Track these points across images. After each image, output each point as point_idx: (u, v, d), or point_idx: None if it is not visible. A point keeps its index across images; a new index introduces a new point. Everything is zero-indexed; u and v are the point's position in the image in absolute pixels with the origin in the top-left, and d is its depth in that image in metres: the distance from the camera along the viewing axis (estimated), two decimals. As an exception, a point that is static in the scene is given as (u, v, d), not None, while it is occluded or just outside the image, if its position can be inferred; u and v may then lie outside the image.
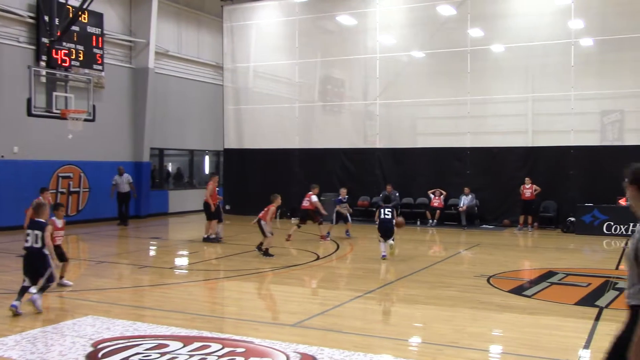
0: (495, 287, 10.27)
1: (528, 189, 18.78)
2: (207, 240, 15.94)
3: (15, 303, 8.20)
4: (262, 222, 13.23)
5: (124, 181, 20.72)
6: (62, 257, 10.04)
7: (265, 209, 13.40)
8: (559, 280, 11.13)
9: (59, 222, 10.26)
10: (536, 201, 19.08)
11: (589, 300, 9.27)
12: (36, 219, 8.66)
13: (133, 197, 21.20)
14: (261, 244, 13.33)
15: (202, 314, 8.41)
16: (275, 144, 23.28)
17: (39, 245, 8.52)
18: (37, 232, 8.54)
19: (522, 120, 20.41)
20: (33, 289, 8.46)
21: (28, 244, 8.55)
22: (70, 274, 11.52)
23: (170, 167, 27.34)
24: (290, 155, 22.73)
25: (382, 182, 21.41)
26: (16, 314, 8.12)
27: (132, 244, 16.34)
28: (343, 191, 17.68)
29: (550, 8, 19.72)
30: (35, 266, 8.50)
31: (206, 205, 16.09)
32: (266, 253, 13.14)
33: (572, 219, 18.39)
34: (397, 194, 20.99)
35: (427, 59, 21.72)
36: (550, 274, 11.68)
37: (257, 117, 24.04)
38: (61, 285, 10.06)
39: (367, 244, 16.67)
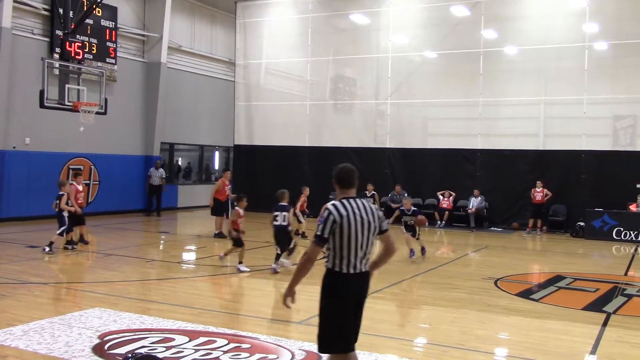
0: (503, 290, 10.24)
1: (539, 193, 18.69)
2: (217, 236, 15.98)
3: (274, 266, 11.15)
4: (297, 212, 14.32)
5: (158, 175, 21.97)
6: (238, 242, 11.62)
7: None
8: (567, 284, 11.08)
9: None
10: (546, 205, 19.00)
11: (596, 306, 9.22)
12: (281, 204, 11.31)
13: (164, 190, 22.27)
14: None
15: (208, 309, 8.43)
16: (286, 141, 23.28)
17: (285, 223, 11.29)
18: (284, 213, 11.28)
19: (533, 123, 20.31)
20: (284, 257, 11.42)
21: (277, 223, 11.25)
22: (78, 266, 11.60)
23: (180, 162, 27.41)
24: (299, 153, 22.73)
25: (392, 182, 21.38)
26: (275, 272, 11.04)
27: (141, 238, 16.40)
28: (370, 187, 17.87)
29: (564, 11, 19.60)
30: (283, 239, 11.35)
31: (214, 201, 16.16)
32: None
33: (582, 223, 18.28)
34: (406, 194, 20.93)
35: (439, 59, 21.65)
36: (558, 278, 11.62)
37: (268, 114, 24.06)
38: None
39: (375, 244, 16.66)
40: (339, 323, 4.64)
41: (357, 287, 4.70)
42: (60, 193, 12.88)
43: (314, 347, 6.45)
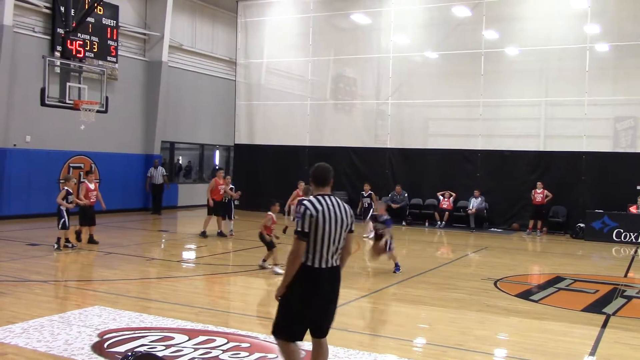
0: (502, 291, 10.24)
1: (539, 194, 18.69)
2: (220, 235, 16.00)
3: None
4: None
5: (159, 174, 22.09)
6: (271, 244, 11.38)
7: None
8: (567, 286, 11.08)
9: None
10: (546, 206, 19.00)
11: (596, 307, 9.22)
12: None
13: (167, 188, 22.40)
14: None
15: (208, 307, 8.44)
16: (286, 140, 23.29)
17: None
18: None
19: (534, 124, 20.31)
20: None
21: None
22: (78, 264, 11.61)
23: (180, 161, 27.42)
24: (300, 153, 22.73)
25: (392, 182, 21.39)
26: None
27: (141, 236, 16.40)
28: (367, 187, 17.77)
29: (566, 12, 19.59)
30: None
31: (212, 201, 16.15)
32: None
33: (582, 225, 18.28)
34: (406, 195, 20.97)
35: (440, 59, 21.66)
36: (558, 279, 11.63)
37: (269, 114, 24.07)
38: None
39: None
40: (296, 313, 4.83)
41: (328, 281, 4.88)
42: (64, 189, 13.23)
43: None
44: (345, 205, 4.99)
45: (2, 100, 17.76)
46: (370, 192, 17.63)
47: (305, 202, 4.84)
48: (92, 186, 13.90)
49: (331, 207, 4.84)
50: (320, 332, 5.03)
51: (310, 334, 5.04)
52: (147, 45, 23.48)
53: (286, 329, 4.89)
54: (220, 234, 16.03)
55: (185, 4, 24.90)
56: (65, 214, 12.85)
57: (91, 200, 13.72)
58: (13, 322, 7.29)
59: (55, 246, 12.79)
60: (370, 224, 15.98)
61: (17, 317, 7.53)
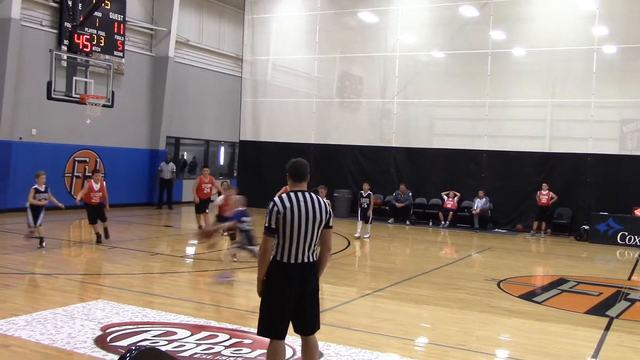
0: (506, 292, 10.22)
1: (545, 195, 18.64)
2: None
3: None
4: None
5: (169, 169, 22.31)
6: None
7: None
8: (570, 288, 11.06)
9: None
10: (551, 208, 18.94)
11: (599, 310, 9.20)
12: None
13: (174, 184, 22.61)
14: None
15: (210, 303, 8.45)
16: (291, 137, 23.28)
17: None
18: None
19: (540, 125, 20.25)
20: None
21: None
22: (82, 258, 11.64)
23: (185, 156, 27.45)
24: (305, 150, 22.67)
25: (396, 181, 21.37)
26: None
27: (145, 231, 16.43)
28: (366, 186, 17.06)
29: (574, 13, 19.50)
30: None
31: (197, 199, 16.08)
32: None
33: (586, 227, 18.23)
34: (410, 194, 20.95)
35: (447, 59, 21.61)
36: (561, 281, 11.61)
37: (274, 111, 24.06)
38: None
39: (378, 243, 16.67)
40: (272, 310, 4.88)
41: (297, 276, 4.86)
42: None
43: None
44: (322, 201, 4.99)
45: (8, 94, 17.80)
46: (369, 192, 16.85)
47: (275, 198, 4.89)
48: (96, 186, 13.69)
49: (302, 204, 4.85)
50: (302, 329, 5.02)
51: (296, 332, 5.05)
52: (154, 41, 23.50)
53: (267, 327, 4.92)
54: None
55: (192, 0, 24.90)
56: (29, 211, 12.42)
57: (93, 201, 13.50)
58: (17, 314, 7.32)
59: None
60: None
61: (21, 310, 7.55)
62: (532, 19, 19.94)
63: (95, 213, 13.64)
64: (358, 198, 17.86)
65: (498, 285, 10.74)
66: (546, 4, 19.82)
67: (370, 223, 16.69)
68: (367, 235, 16.46)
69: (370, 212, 16.60)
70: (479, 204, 19.82)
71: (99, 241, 13.30)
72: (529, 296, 10.09)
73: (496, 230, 19.83)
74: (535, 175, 19.51)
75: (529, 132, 20.11)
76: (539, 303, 9.56)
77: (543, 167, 19.57)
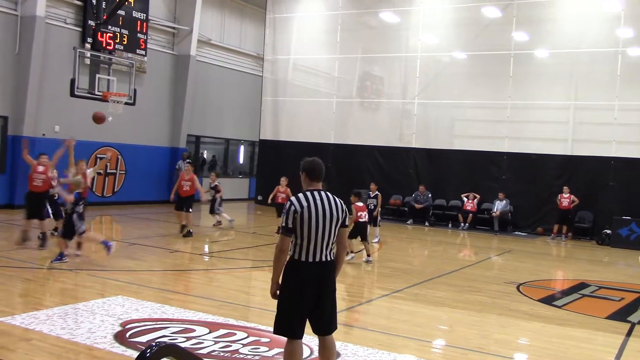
0: (525, 295, 10.14)
1: (566, 199, 18.46)
2: (183, 231, 15.07)
3: None
4: None
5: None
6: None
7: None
8: (591, 292, 10.93)
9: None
10: (572, 211, 18.75)
11: (621, 315, 9.09)
12: None
13: None
14: None
15: (229, 301, 8.48)
16: (311, 137, 23.30)
17: None
18: None
19: (562, 127, 20.02)
20: None
21: None
22: (102, 254, 11.72)
23: (205, 155, 27.59)
24: (324, 150, 22.69)
25: (416, 182, 21.30)
26: None
27: (164, 228, 16.53)
28: (373, 187, 15.92)
29: (598, 15, 19.27)
30: None
31: (176, 195, 15.59)
32: None
33: (608, 231, 18.02)
34: (430, 195, 20.87)
35: (468, 60, 21.48)
36: (582, 285, 11.48)
37: (294, 110, 24.10)
38: None
39: (397, 243, 16.62)
40: (288, 309, 4.88)
41: (315, 275, 4.87)
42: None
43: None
44: (338, 200, 5.01)
45: (33, 90, 18.03)
46: (377, 192, 15.63)
47: (292, 198, 4.89)
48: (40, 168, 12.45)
49: (319, 202, 4.87)
50: (320, 329, 5.02)
51: (314, 332, 5.05)
52: (176, 39, 23.65)
53: (284, 326, 4.92)
54: (183, 230, 15.13)
55: (214, -1, 25.05)
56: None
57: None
58: (38, 308, 7.41)
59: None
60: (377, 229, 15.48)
61: (42, 304, 7.65)
62: (556, 21, 19.74)
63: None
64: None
65: (517, 288, 10.65)
66: (570, 6, 19.61)
67: (379, 226, 15.70)
68: (376, 240, 15.49)
69: (377, 214, 15.40)
70: (499, 206, 19.68)
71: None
72: (548, 300, 9.99)
73: (516, 233, 19.67)
74: (556, 178, 19.33)
75: (551, 135, 19.91)
76: (559, 307, 9.47)
77: (564, 170, 19.37)
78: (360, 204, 12.58)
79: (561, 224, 18.73)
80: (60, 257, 10.44)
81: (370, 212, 15.01)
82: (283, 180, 15.92)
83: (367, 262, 12.32)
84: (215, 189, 17.20)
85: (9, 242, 12.14)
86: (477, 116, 21.50)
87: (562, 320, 8.56)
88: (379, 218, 15.65)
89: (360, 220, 12.37)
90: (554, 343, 7.39)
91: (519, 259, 14.79)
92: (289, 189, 15.68)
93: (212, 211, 17.14)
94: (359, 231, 12.39)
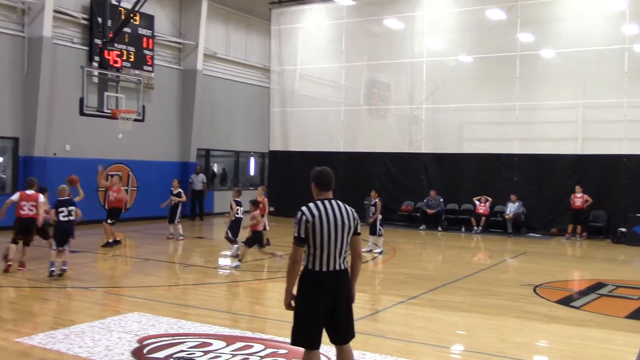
0: (542, 297, 10.06)
1: (579, 198, 18.33)
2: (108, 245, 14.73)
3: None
4: None
5: (199, 180, 22.44)
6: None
7: None
8: (609, 292, 10.84)
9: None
10: (586, 211, 18.61)
11: (640, 314, 9.01)
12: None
13: (205, 195, 22.76)
14: None
15: (245, 314, 8.48)
16: (320, 146, 23.31)
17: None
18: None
19: (572, 127, 19.93)
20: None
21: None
22: (117, 271, 11.81)
23: (215, 168, 27.67)
24: (334, 158, 22.66)
25: (427, 187, 21.25)
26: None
27: (178, 243, 16.56)
28: (373, 194, 15.21)
29: (603, 13, 19.20)
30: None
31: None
32: None
33: (623, 229, 17.87)
34: (441, 200, 20.80)
35: (474, 63, 21.44)
36: (599, 285, 11.38)
37: (303, 120, 24.15)
38: None
39: (410, 249, 16.57)
40: (305, 319, 4.86)
41: (330, 284, 4.85)
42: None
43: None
44: (349, 208, 4.98)
45: (42, 111, 18.16)
46: (376, 200, 14.91)
47: (303, 208, 4.87)
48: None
49: (330, 211, 4.85)
50: (337, 339, 5.00)
51: (331, 342, 5.02)
52: (182, 54, 23.78)
53: (301, 337, 4.91)
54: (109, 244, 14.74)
55: (219, 13, 25.16)
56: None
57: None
58: (55, 328, 7.43)
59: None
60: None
61: (59, 323, 7.67)
62: (561, 20, 19.69)
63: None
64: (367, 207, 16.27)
65: (534, 290, 10.58)
66: (574, 5, 19.56)
67: (379, 235, 14.82)
68: (378, 250, 14.83)
69: (373, 220, 14.69)
70: (511, 208, 19.57)
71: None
72: (566, 301, 9.91)
73: (530, 234, 19.55)
74: (568, 177, 19.21)
75: (561, 135, 19.82)
76: (577, 308, 9.39)
77: (576, 170, 19.26)
78: (258, 212, 12.89)
79: (575, 224, 18.60)
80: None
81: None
82: (260, 190, 15.65)
83: (236, 267, 12.32)
84: (179, 196, 16.93)
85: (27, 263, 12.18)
86: (485, 119, 21.43)
87: (581, 321, 8.49)
88: (378, 226, 14.72)
89: (258, 229, 12.76)
90: (574, 344, 7.32)
91: (534, 260, 14.69)
92: (266, 199, 15.41)
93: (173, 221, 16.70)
94: (257, 239, 12.74)
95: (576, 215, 18.53)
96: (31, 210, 11.38)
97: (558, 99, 19.75)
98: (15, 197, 11.39)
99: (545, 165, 19.67)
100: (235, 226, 13.50)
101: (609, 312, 9.14)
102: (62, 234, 10.81)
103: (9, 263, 11.11)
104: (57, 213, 10.83)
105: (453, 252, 16.68)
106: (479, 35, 20.96)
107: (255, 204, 12.98)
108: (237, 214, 13.42)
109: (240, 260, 12.48)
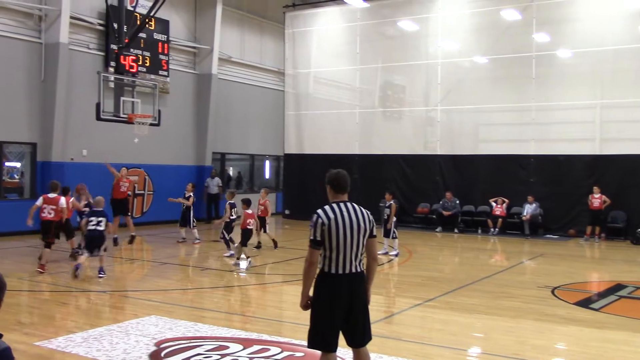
0: (560, 299, 9.97)
1: (597, 199, 18.16)
2: (114, 242, 15.00)
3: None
4: None
5: (215, 184, 22.50)
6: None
7: None
8: (629, 293, 10.72)
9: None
10: (604, 211, 18.42)
11: (660, 316, 8.89)
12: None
13: (220, 198, 22.64)
14: None
15: (261, 317, 8.48)
16: (335, 149, 23.31)
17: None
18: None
19: (589, 127, 19.75)
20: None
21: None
22: (134, 275, 11.87)
23: (231, 171, 27.75)
24: (349, 161, 22.65)
25: (443, 189, 21.16)
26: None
27: (194, 247, 16.62)
28: (388, 196, 15.12)
29: (620, 12, 19.02)
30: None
31: (112, 201, 15.95)
32: None
33: (643, 230, 17.69)
34: (457, 202, 20.70)
35: (490, 64, 21.33)
36: (618, 287, 11.25)
37: (318, 123, 24.16)
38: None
39: (427, 251, 16.50)
40: (321, 322, 4.86)
41: (346, 287, 4.84)
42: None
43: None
44: (364, 210, 4.98)
45: (59, 116, 18.33)
46: (391, 202, 14.76)
47: (318, 210, 4.87)
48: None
49: (346, 214, 4.85)
50: (354, 342, 4.98)
51: (347, 344, 5.01)
52: (197, 59, 23.91)
53: (317, 339, 4.90)
54: (115, 241, 15.05)
55: (233, 17, 25.27)
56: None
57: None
58: (74, 331, 7.49)
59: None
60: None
61: (78, 327, 7.72)
62: (577, 20, 19.54)
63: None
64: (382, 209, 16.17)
65: (552, 292, 10.49)
66: (590, 4, 19.42)
67: (394, 238, 14.65)
68: (394, 253, 14.63)
69: (390, 225, 14.49)
70: (529, 209, 19.43)
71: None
72: (585, 303, 9.81)
73: (548, 236, 19.39)
74: (585, 178, 19.04)
75: (578, 135, 19.65)
76: (596, 310, 9.29)
77: (594, 170, 19.07)
78: (249, 211, 13.20)
79: (593, 225, 18.42)
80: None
81: (384, 222, 14.73)
82: (263, 192, 16.22)
83: (236, 265, 12.84)
84: (188, 199, 16.98)
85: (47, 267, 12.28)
86: (501, 120, 21.29)
87: (600, 323, 8.40)
88: (392, 229, 14.54)
89: (249, 227, 13.07)
90: (593, 347, 7.25)
91: (552, 262, 14.57)
92: (268, 201, 15.92)
93: (190, 224, 16.84)
94: (244, 237, 13.07)
95: (594, 216, 18.35)
96: (50, 214, 11.86)
97: (575, 99, 19.59)
98: (39, 201, 12.04)
99: (562, 166, 19.51)
100: (230, 227, 14.34)
101: (629, 314, 9.04)
102: (91, 241, 11.17)
103: (42, 264, 11.66)
104: (88, 222, 11.24)
105: (470, 254, 16.59)
106: (494, 36, 20.86)
107: (246, 202, 13.38)
108: (232, 215, 14.13)
109: (248, 257, 12.87)
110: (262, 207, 15.74)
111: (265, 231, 15.73)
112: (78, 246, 13.12)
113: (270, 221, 23.94)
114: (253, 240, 14.48)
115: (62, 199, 12.04)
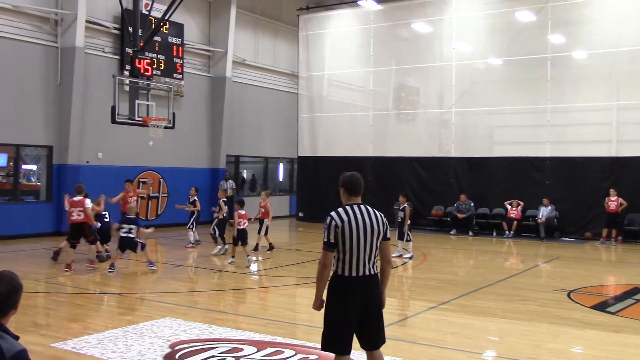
0: (577, 303, 9.88)
1: (613, 202, 17.99)
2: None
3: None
4: None
5: (229, 186, 22.25)
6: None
7: None
8: (646, 297, 10.60)
9: None
10: (621, 214, 18.25)
11: (678, 320, 8.78)
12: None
13: (234, 201, 22.32)
14: None
15: (275, 319, 8.48)
16: (349, 152, 23.30)
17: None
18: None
19: (606, 129, 19.56)
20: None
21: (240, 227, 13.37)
22: (149, 277, 11.91)
23: (245, 174, 27.82)
24: (363, 164, 22.60)
25: (457, 191, 21.06)
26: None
27: (208, 249, 16.64)
28: (402, 199, 14.85)
29: (636, 13, 18.83)
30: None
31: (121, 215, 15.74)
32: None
33: (660, 233, 17.49)
34: (472, 204, 20.60)
35: (504, 66, 21.21)
36: (636, 290, 11.14)
37: (331, 125, 24.16)
38: None
39: (441, 254, 16.43)
40: (335, 325, 4.85)
41: (360, 290, 4.83)
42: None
43: None
44: (378, 213, 4.96)
45: (75, 119, 18.47)
46: (405, 205, 14.52)
47: (332, 213, 4.85)
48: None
49: (359, 216, 4.83)
50: (368, 344, 4.97)
51: (361, 347, 5.00)
52: (212, 62, 24.00)
53: (331, 342, 4.89)
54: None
55: (247, 20, 25.35)
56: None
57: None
58: (89, 333, 7.53)
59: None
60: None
61: (93, 329, 7.77)
62: (592, 21, 19.39)
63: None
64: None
65: (568, 295, 10.40)
66: (606, 5, 19.26)
67: (408, 240, 14.55)
68: (408, 256, 14.53)
69: (405, 228, 14.36)
70: (544, 212, 19.29)
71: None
72: (601, 307, 9.71)
73: (563, 238, 19.24)
74: (602, 181, 18.86)
75: (594, 137, 19.48)
76: (613, 314, 9.20)
77: (610, 173, 18.90)
78: (243, 211, 13.56)
79: (610, 228, 18.25)
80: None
81: (399, 225, 14.56)
82: (264, 195, 16.37)
83: (247, 265, 13.34)
84: (193, 204, 16.99)
85: (58, 269, 12.38)
86: (516, 122, 21.14)
87: (618, 327, 8.31)
88: (406, 232, 14.41)
89: (239, 227, 13.36)
90: (610, 351, 7.17)
91: (568, 265, 14.45)
92: (269, 204, 16.05)
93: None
94: (240, 237, 13.38)
95: (611, 219, 18.18)
96: (79, 215, 12.43)
97: (591, 100, 19.42)
98: (67, 206, 12.63)
99: (578, 168, 19.34)
100: (222, 225, 14.94)
101: (647, 318, 8.94)
102: (123, 246, 12.06)
103: (69, 264, 12.10)
104: (120, 228, 12.04)
105: (484, 256, 16.50)
106: (509, 38, 20.75)
107: (240, 203, 13.85)
108: (225, 214, 14.79)
109: (233, 257, 13.56)
110: (263, 210, 15.80)
111: (265, 234, 15.83)
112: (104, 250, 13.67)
113: (284, 223, 24.08)
114: (252, 242, 14.59)
115: (87, 200, 12.60)
